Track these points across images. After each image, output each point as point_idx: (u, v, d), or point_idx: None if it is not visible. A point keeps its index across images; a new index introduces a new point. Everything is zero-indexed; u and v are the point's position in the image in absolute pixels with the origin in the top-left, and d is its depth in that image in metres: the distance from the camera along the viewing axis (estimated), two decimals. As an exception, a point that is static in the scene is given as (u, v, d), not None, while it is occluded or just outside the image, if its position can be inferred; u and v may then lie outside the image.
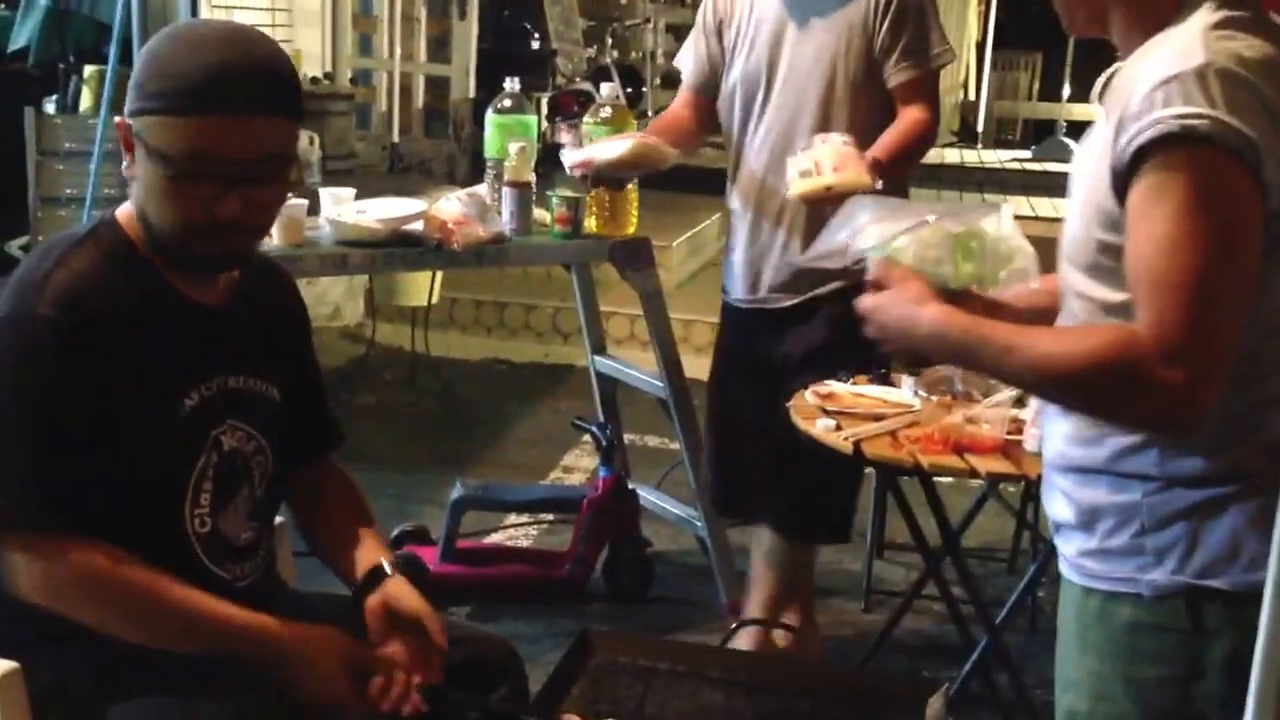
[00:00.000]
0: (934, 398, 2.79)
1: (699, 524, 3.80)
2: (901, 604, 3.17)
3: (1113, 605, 1.63)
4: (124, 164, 1.83)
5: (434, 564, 3.81)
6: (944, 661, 3.40)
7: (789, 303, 3.16)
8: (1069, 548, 1.69)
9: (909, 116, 3.03)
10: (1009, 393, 2.75)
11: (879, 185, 2.75)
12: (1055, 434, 1.69)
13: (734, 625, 2.89)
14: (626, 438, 4.37)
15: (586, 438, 4.50)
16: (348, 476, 2.14)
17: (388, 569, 1.96)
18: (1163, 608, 1.59)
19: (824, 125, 3.00)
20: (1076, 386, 1.54)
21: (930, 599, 3.36)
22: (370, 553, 2.00)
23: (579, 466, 5.07)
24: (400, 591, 1.94)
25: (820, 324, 3.11)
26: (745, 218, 3.20)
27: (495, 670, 2.05)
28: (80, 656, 1.77)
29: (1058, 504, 1.70)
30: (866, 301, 1.73)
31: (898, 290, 1.70)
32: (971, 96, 12.78)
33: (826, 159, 2.79)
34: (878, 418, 2.82)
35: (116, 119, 1.83)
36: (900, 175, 3.06)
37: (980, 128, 11.74)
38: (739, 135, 3.19)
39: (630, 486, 3.96)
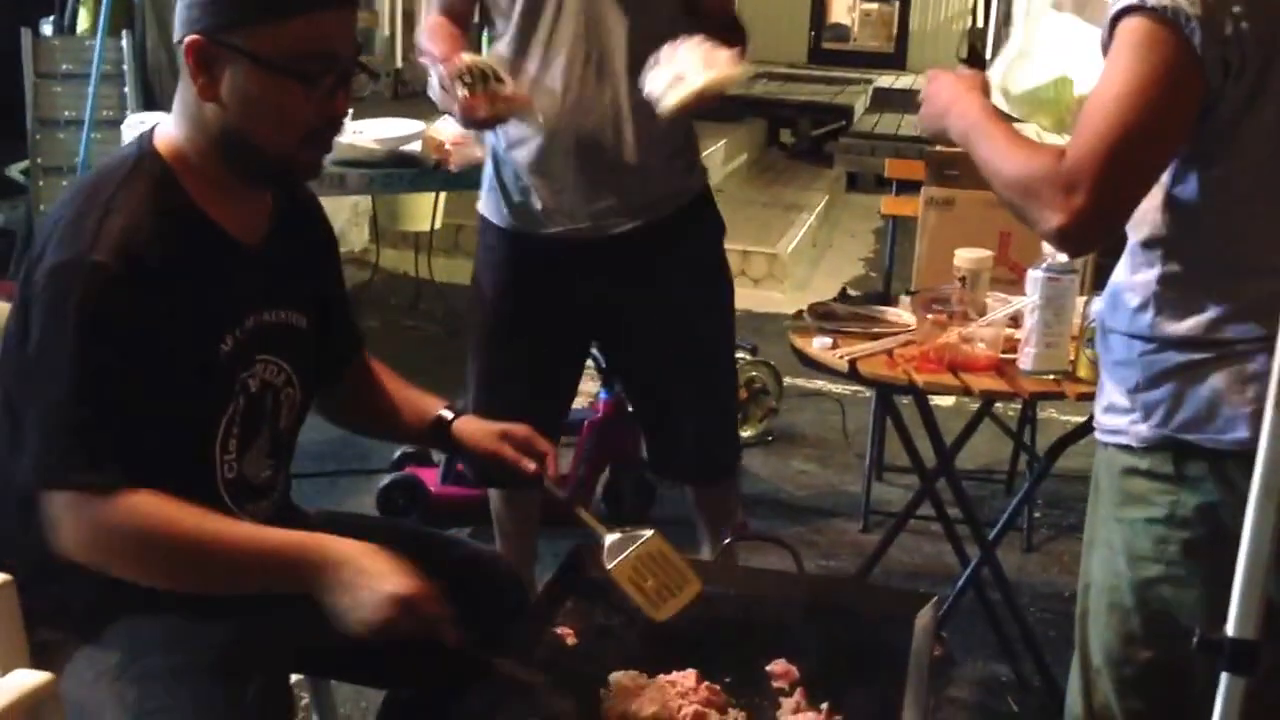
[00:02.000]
0: (930, 316, 2.79)
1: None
2: (896, 523, 3.18)
3: (1113, 455, 1.84)
4: (188, 90, 1.74)
5: (435, 485, 3.84)
6: (940, 580, 3.43)
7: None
8: (1096, 409, 1.90)
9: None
10: (1004, 311, 2.76)
11: (752, 70, 2.65)
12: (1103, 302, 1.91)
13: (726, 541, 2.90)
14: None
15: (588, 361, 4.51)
16: (379, 364, 2.18)
17: (448, 414, 2.11)
18: (1153, 457, 1.77)
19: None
20: (1006, 186, 1.76)
21: (927, 519, 3.38)
22: (432, 403, 2.13)
23: (580, 390, 5.08)
24: (474, 423, 2.11)
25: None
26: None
27: (497, 589, 2.07)
28: (80, 575, 1.74)
29: (1100, 370, 1.90)
30: (934, 72, 2.00)
31: (960, 76, 1.97)
32: (979, 23, 12.65)
33: (692, 62, 2.51)
34: (874, 337, 2.83)
35: (188, 38, 1.70)
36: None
37: (989, 54, 11.63)
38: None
39: (630, 409, 3.97)
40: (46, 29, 5.76)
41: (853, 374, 2.71)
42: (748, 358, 4.57)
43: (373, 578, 1.65)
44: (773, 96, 11.20)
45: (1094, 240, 1.75)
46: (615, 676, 1.83)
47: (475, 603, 1.92)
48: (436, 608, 1.67)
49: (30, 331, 1.69)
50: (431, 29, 2.75)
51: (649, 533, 1.95)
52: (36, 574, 1.68)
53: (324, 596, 1.67)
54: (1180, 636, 1.65)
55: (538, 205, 2.71)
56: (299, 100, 1.72)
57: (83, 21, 5.66)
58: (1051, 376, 2.62)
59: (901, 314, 2.97)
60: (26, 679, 1.44)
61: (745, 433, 4.42)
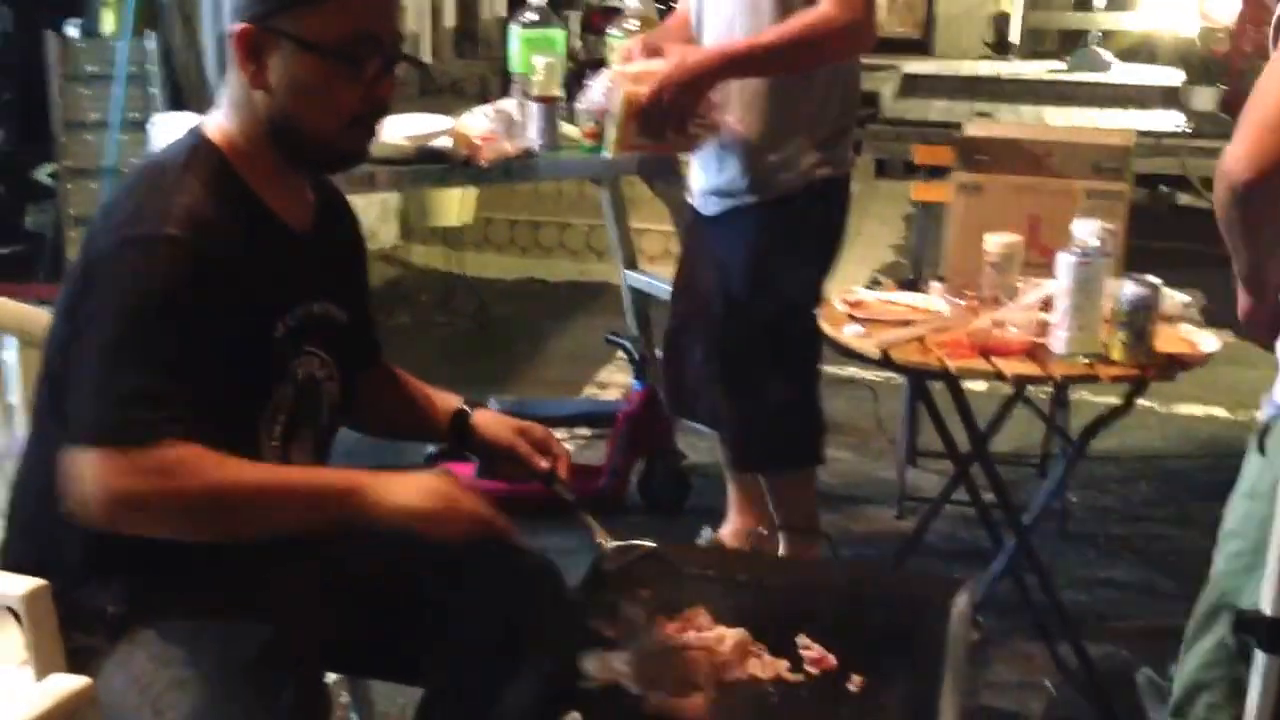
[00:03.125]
0: (962, 302, 2.79)
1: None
2: (930, 508, 3.18)
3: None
4: (237, 79, 1.78)
5: (472, 479, 3.85)
6: (975, 565, 3.42)
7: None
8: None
9: (805, 11, 2.78)
10: (1035, 295, 2.76)
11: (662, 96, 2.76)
12: None
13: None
14: (659, 352, 4.39)
15: (620, 353, 4.53)
16: (396, 368, 2.20)
17: (467, 408, 2.12)
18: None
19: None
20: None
21: (962, 504, 3.38)
22: (452, 399, 2.14)
23: (613, 382, 5.10)
24: (491, 416, 2.12)
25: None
26: None
27: (534, 584, 2.08)
28: (116, 578, 1.76)
29: None
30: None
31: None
32: (1005, 8, 12.58)
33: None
34: (906, 324, 2.83)
35: (236, 27, 1.74)
36: (773, 71, 2.88)
37: (1014, 39, 11.57)
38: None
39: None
40: (71, 31, 5.77)
41: (885, 361, 2.71)
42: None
43: (416, 478, 1.74)
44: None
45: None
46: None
47: (511, 599, 1.94)
48: (482, 505, 1.76)
49: (89, 302, 1.69)
50: None
51: (650, 544, 1.97)
52: (70, 581, 1.69)
53: (366, 508, 1.71)
54: None
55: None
56: (345, 84, 1.75)
57: (108, 23, 5.68)
58: (1084, 360, 2.61)
59: (933, 300, 2.96)
60: (65, 684, 1.45)
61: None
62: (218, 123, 1.83)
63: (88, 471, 1.63)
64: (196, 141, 1.82)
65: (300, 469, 1.83)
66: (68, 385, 1.70)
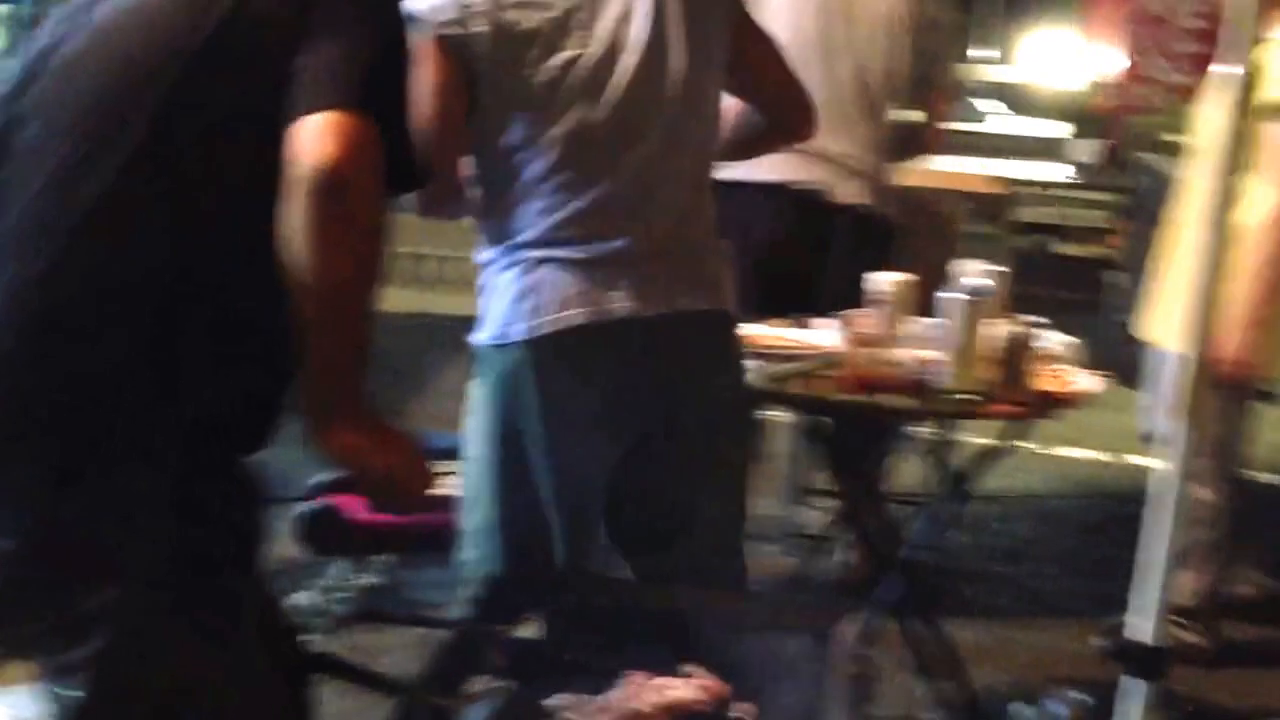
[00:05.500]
0: (851, 338, 2.82)
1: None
2: (814, 546, 3.21)
3: None
4: None
5: (365, 512, 3.78)
6: (858, 601, 3.44)
7: None
8: None
9: None
10: (921, 329, 2.80)
11: None
12: None
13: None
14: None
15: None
16: None
17: None
18: None
19: None
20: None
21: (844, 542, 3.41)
22: None
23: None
24: None
25: None
26: None
27: None
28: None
29: None
30: None
31: None
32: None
33: None
34: (793, 358, 2.85)
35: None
36: None
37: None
38: None
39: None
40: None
41: (773, 394, 2.73)
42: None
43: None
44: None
45: None
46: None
47: None
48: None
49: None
50: None
51: None
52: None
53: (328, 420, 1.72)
54: None
55: None
56: None
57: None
58: (966, 397, 2.65)
59: (822, 335, 2.98)
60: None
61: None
62: None
63: (340, 132, 1.61)
64: None
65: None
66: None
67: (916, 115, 3.64)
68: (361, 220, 1.65)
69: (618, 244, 2.25)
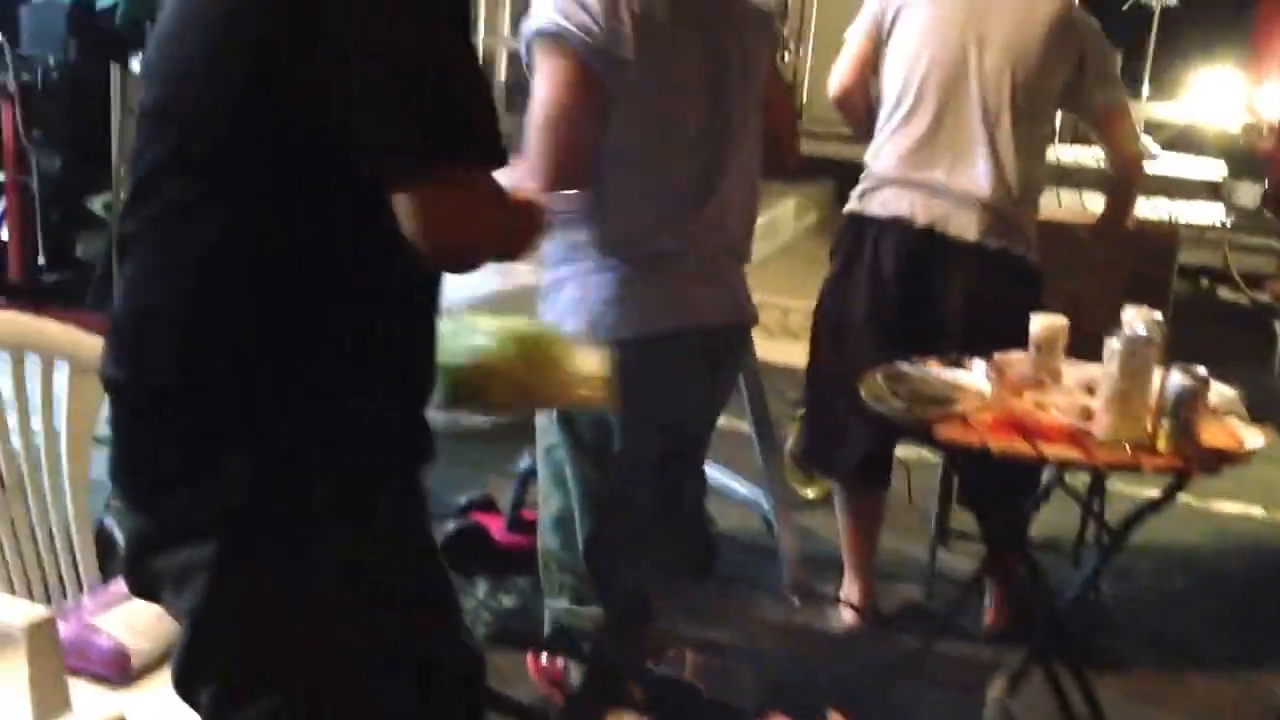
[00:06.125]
0: (1002, 380, 2.76)
1: (765, 504, 3.79)
2: (962, 592, 3.14)
3: None
4: None
5: (501, 534, 3.82)
6: (1004, 650, 3.37)
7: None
8: None
9: None
10: (1081, 377, 2.73)
11: None
12: None
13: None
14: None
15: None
16: None
17: None
18: None
19: None
20: None
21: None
22: None
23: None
24: None
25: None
26: None
27: None
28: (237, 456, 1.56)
29: None
30: None
31: None
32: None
33: None
34: (945, 400, 2.80)
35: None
36: None
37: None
38: None
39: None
40: (136, 65, 5.80)
41: (926, 437, 2.69)
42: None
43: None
44: (840, 157, 11.16)
45: None
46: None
47: None
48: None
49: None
50: None
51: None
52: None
53: None
54: None
55: None
56: None
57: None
58: (1128, 447, 2.58)
59: (974, 377, 2.93)
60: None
61: (809, 493, 4.39)
62: None
63: (429, 217, 1.50)
64: None
65: None
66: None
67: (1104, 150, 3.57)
68: (485, 249, 1.63)
69: (707, 257, 2.51)
